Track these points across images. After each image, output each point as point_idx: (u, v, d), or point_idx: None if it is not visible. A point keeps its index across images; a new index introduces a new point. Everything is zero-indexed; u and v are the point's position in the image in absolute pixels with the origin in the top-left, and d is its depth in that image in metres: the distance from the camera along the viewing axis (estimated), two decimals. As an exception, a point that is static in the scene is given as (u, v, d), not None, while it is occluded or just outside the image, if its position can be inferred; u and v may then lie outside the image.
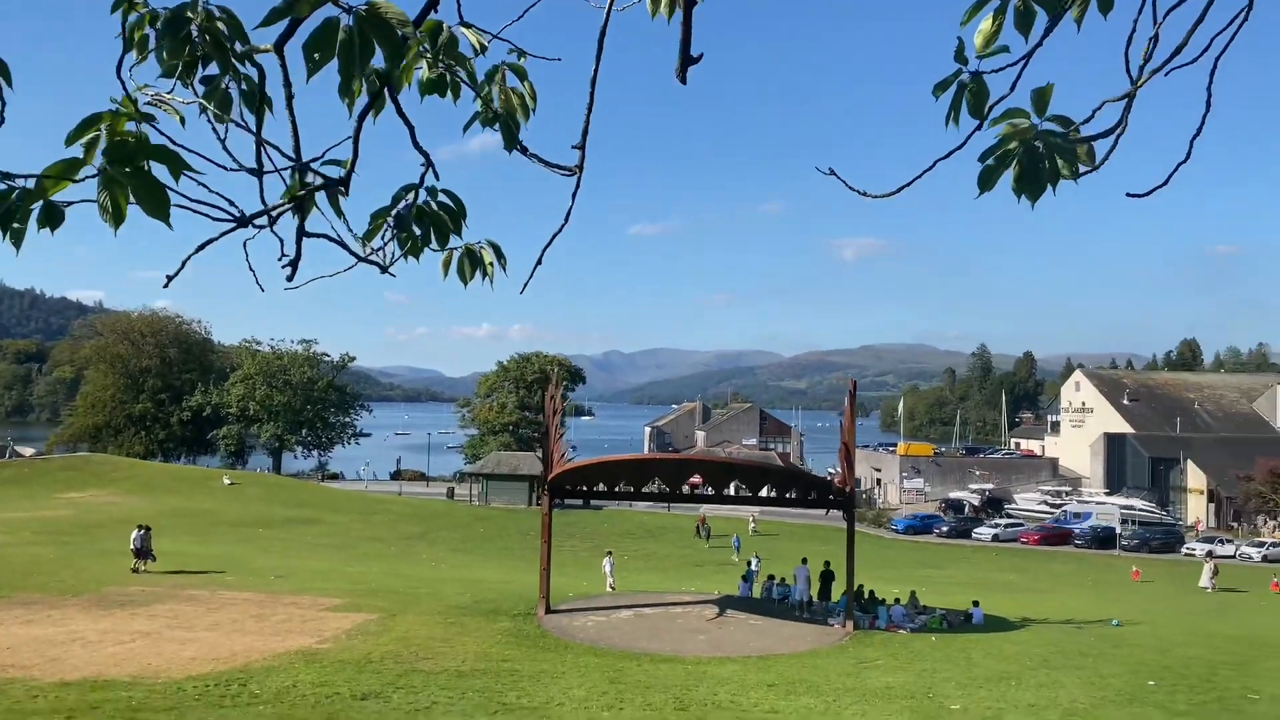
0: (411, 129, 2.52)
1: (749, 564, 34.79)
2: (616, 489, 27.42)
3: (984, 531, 65.76)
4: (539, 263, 2.77)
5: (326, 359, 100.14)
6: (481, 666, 19.86)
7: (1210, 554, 58.12)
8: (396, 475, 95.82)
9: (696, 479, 29.38)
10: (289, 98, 2.29)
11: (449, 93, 2.63)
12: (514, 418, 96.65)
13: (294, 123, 2.34)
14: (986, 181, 2.27)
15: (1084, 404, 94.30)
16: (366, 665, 19.45)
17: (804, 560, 29.16)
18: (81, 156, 2.41)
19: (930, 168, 2.40)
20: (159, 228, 2.37)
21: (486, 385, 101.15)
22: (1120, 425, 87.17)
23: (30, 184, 2.40)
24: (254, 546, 45.57)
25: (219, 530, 51.01)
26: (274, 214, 2.39)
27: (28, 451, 77.87)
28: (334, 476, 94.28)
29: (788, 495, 26.67)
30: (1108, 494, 78.75)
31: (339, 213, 2.73)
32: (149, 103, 2.35)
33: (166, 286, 2.47)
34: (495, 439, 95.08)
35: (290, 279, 2.50)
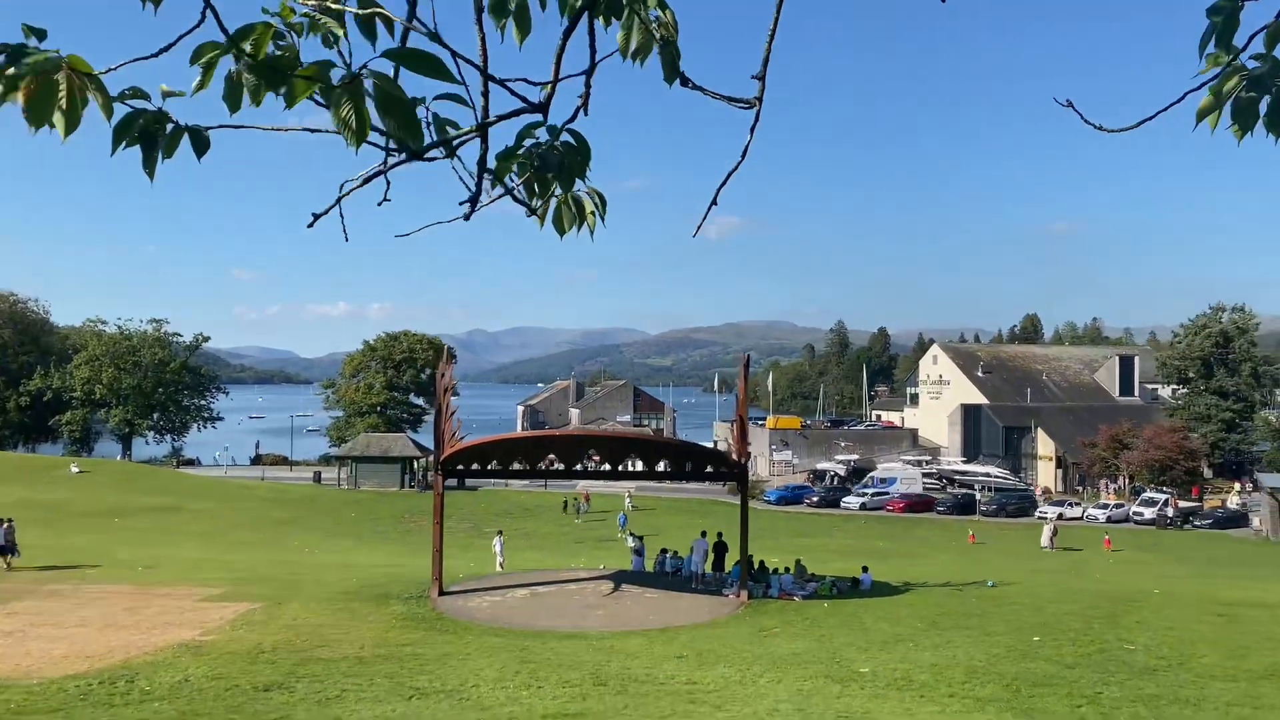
0: (593, 52, 2.25)
1: (639, 539, 34.83)
2: (511, 467, 27.01)
3: (852, 501, 68.07)
4: (714, 203, 2.56)
5: (179, 339, 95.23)
6: (382, 652, 19.29)
7: (1060, 516, 61.98)
8: (257, 460, 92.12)
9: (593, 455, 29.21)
10: (479, 9, 2.01)
11: (610, 16, 2.37)
12: (382, 398, 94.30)
13: (483, 38, 2.05)
14: (1244, 119, 2.17)
15: (940, 376, 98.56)
16: (259, 656, 18.63)
17: (703, 534, 29.45)
18: (202, 75, 2.07)
19: (1178, 101, 2.30)
20: None
21: (352, 365, 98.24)
22: (975, 396, 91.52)
23: (159, 103, 2.06)
24: (112, 537, 43.10)
25: (71, 521, 48.00)
26: (455, 143, 2.09)
27: None
28: (189, 462, 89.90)
29: (684, 469, 26.85)
30: (965, 462, 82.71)
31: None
32: (305, 14, 2.03)
33: (311, 226, 2.15)
34: (362, 420, 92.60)
35: (468, 218, 2.22)
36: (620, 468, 26.81)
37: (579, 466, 27.12)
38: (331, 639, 20.54)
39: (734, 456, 25.77)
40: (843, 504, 67.78)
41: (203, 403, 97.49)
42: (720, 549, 29.21)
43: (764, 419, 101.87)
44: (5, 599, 25.31)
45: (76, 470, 64.59)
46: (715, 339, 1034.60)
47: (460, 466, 26.88)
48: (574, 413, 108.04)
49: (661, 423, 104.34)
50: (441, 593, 26.39)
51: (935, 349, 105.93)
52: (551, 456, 27.44)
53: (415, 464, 74.45)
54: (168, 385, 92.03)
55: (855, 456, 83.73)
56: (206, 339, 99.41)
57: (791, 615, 24.13)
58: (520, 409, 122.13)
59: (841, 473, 79.45)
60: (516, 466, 27.16)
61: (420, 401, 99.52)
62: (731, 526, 36.59)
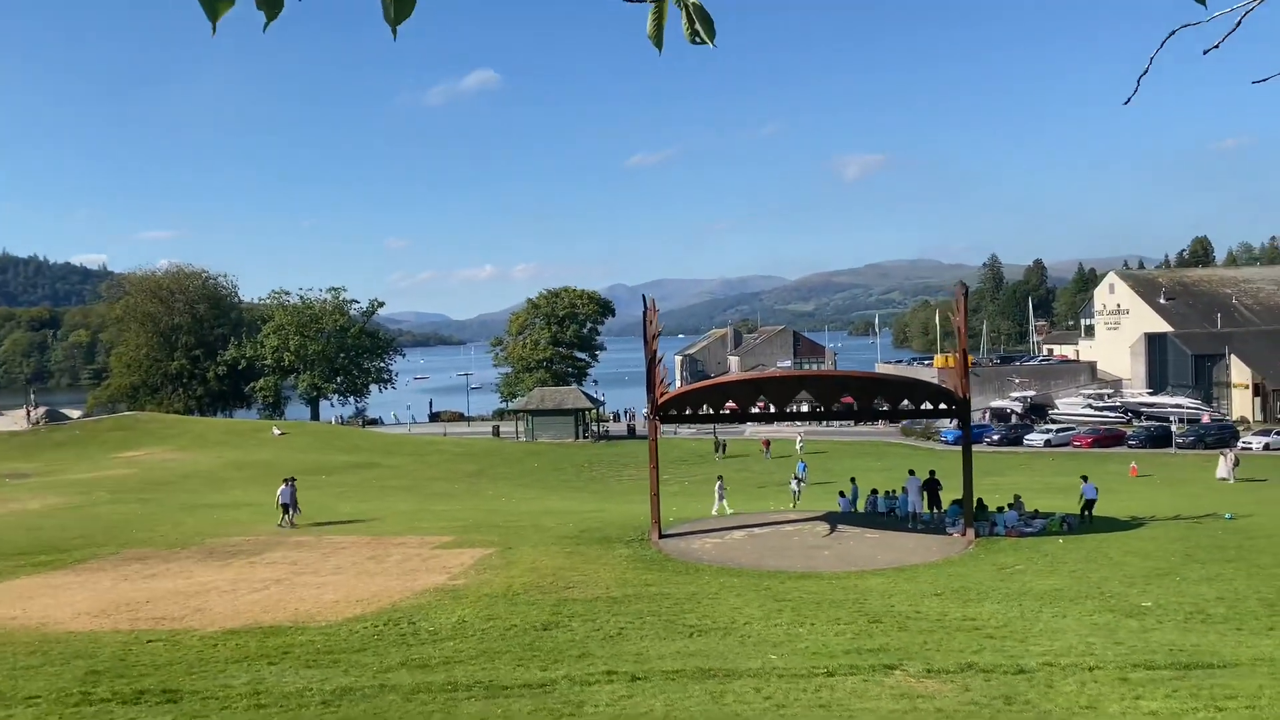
0: None
1: (852, 481, 34.25)
2: (722, 411, 27.04)
3: (1035, 438, 65.67)
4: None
5: (356, 305, 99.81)
6: (631, 592, 19.66)
7: (1267, 446, 58.18)
8: (435, 417, 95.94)
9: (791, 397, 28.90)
10: None
11: None
12: (548, 353, 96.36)
13: None
14: None
15: (1119, 305, 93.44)
16: (516, 597, 19.26)
17: (911, 472, 28.89)
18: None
19: None
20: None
21: (518, 322, 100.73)
22: (1158, 324, 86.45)
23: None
24: (326, 493, 45.44)
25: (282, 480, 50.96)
26: None
27: (74, 414, 77.89)
28: (373, 422, 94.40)
29: (899, 406, 26.28)
30: (1151, 394, 78.49)
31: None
32: None
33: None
34: (530, 375, 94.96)
35: None
36: (833, 407, 26.44)
37: (790, 408, 26.91)
38: (575, 580, 21.09)
39: (959, 392, 24.99)
40: (1025, 441, 65.48)
41: (381, 365, 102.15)
42: (933, 486, 28.56)
43: (929, 359, 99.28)
44: (259, 550, 27.07)
45: (279, 433, 68.66)
46: (857, 281, 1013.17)
47: (674, 411, 27.05)
48: (732, 360, 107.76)
49: (823, 367, 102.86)
50: (661, 535, 26.80)
51: (1111, 277, 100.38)
52: (762, 399, 27.28)
53: (587, 415, 75.90)
54: (349, 350, 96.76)
55: (1032, 393, 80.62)
56: (381, 304, 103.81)
57: (1028, 552, 23.41)
58: (678, 359, 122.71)
59: (1018, 410, 76.75)
60: (727, 410, 27.15)
61: (583, 356, 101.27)
62: (908, 466, 35.73)
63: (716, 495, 33.97)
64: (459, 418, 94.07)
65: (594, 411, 77.46)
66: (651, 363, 26.38)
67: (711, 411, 26.92)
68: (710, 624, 15.92)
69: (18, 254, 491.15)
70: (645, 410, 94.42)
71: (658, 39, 2.37)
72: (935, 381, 27.41)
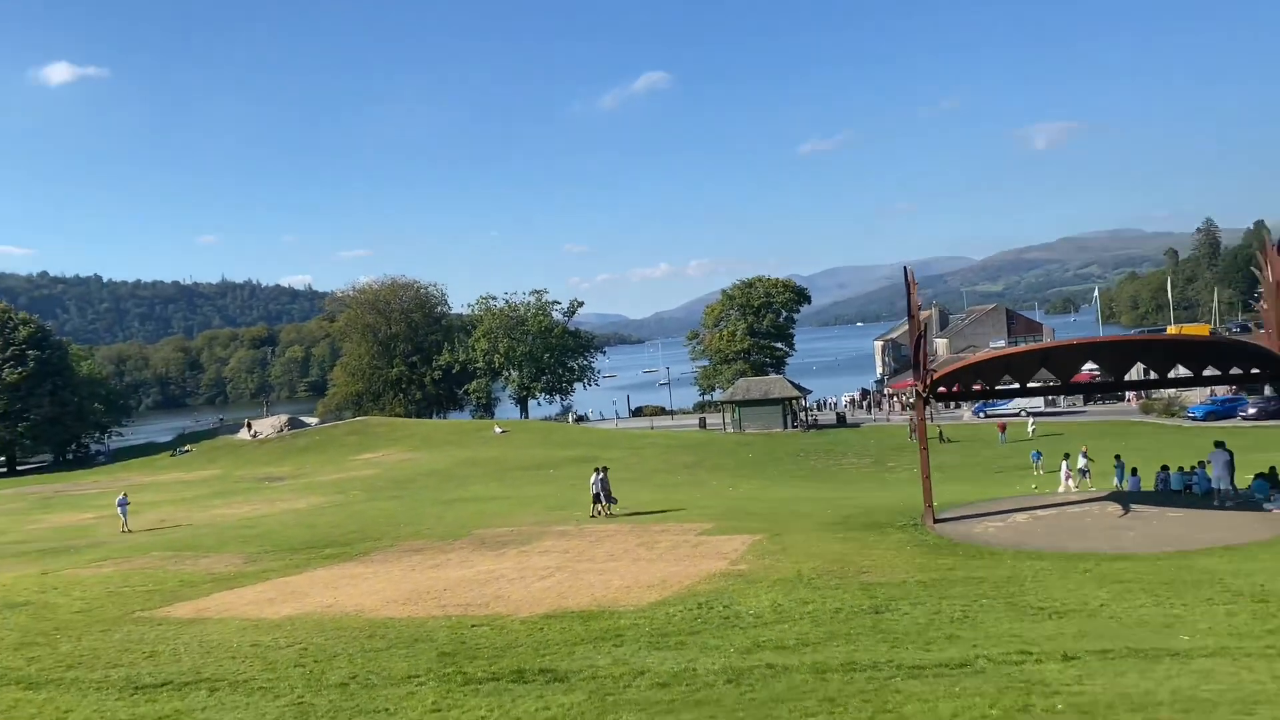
0: None
1: (1117, 458, 31.83)
2: (998, 386, 25.48)
3: (1301, 410, 59.76)
4: None
5: (558, 306, 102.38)
6: (936, 576, 18.54)
7: None
8: (638, 412, 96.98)
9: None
10: None
11: None
12: (745, 344, 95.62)
13: None
14: None
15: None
16: (813, 582, 18.49)
17: (1219, 444, 26.33)
18: None
19: None
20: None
21: (714, 315, 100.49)
22: None
23: None
24: (558, 485, 46.35)
25: (514, 475, 52.37)
26: None
27: (312, 421, 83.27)
28: (581, 419, 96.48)
29: (1201, 372, 23.99)
30: None
31: None
32: None
33: None
34: (729, 367, 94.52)
35: None
36: (1125, 377, 24.40)
37: (1073, 380, 25.03)
38: (866, 565, 20.14)
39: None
40: (1290, 414, 59.62)
41: (584, 363, 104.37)
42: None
43: (1157, 331, 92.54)
44: (525, 540, 27.50)
45: (500, 431, 71.01)
46: (1050, 257, 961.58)
47: (943, 389, 25.69)
48: (939, 342, 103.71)
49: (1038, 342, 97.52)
50: (936, 520, 25.52)
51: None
52: (1044, 371, 25.53)
53: (794, 404, 74.64)
54: (554, 349, 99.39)
55: (1286, 362, 73.47)
56: (581, 304, 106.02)
57: (1381, 528, 20.79)
58: (878, 345, 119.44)
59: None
60: (1003, 385, 25.57)
61: (780, 345, 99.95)
62: (1154, 445, 32.57)
63: (1062, 474, 31.91)
64: (661, 411, 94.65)
65: (803, 400, 76.16)
66: (920, 341, 25.13)
67: (986, 386, 25.42)
68: (1060, 606, 14.64)
69: (235, 279, 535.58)
70: (865, 388, 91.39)
71: None
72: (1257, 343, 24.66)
